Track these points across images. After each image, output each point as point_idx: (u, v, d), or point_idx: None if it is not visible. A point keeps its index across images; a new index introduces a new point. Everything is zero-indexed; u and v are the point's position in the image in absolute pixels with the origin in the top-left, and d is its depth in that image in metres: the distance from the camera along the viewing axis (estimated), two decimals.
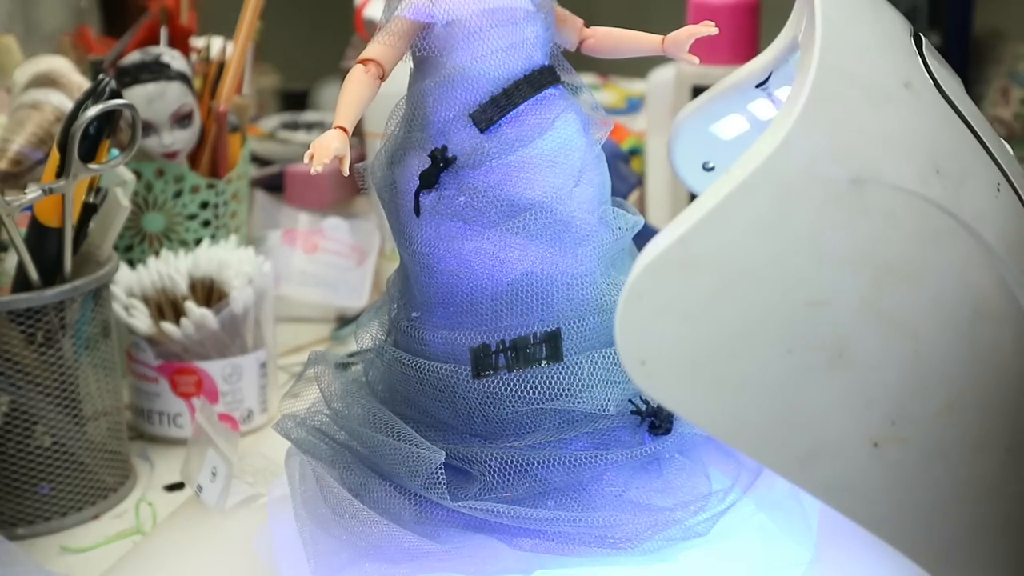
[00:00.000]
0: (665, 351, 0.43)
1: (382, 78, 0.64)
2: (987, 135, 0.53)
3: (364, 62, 0.64)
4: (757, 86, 0.66)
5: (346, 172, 0.62)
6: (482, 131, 0.63)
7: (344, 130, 0.62)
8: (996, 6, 2.12)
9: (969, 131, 0.51)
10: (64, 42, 1.28)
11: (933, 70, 0.52)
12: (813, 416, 0.46)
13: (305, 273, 1.16)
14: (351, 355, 0.72)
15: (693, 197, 1.15)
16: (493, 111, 0.63)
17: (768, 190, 0.45)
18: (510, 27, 0.64)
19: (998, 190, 0.50)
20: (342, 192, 1.32)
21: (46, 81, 0.94)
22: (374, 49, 0.64)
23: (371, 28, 1.16)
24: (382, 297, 0.71)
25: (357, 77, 0.64)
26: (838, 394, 0.46)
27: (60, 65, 0.96)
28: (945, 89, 0.51)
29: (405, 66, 0.66)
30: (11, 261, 0.82)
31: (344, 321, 1.13)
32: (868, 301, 0.46)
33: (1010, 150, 0.56)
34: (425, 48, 0.64)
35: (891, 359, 0.47)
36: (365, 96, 0.64)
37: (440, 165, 0.64)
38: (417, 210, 0.64)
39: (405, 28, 0.64)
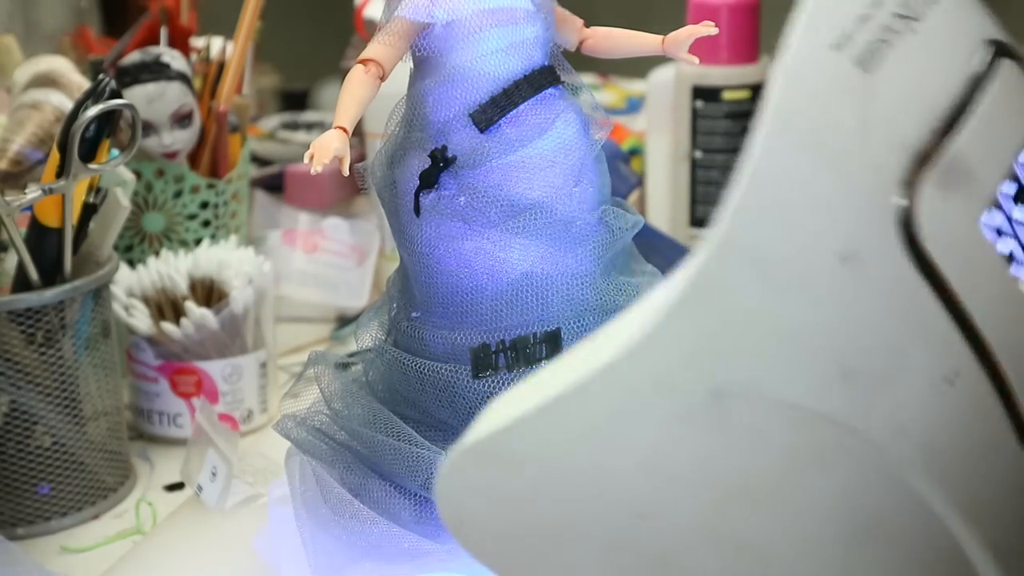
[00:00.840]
0: (481, 523, 0.42)
1: (382, 78, 0.64)
2: (986, 285, 0.40)
3: (364, 62, 0.64)
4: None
5: (346, 172, 0.62)
6: (482, 131, 0.63)
7: (344, 130, 0.62)
8: (996, 6, 2.12)
9: (939, 299, 0.38)
10: (64, 42, 1.28)
11: (927, 205, 0.38)
12: None
13: (305, 273, 1.15)
14: (351, 355, 0.72)
15: (694, 195, 1.15)
16: (493, 111, 0.63)
17: (606, 398, 0.39)
18: (510, 27, 0.64)
19: (951, 383, 0.39)
20: (342, 192, 1.32)
21: (46, 81, 0.94)
22: (374, 49, 0.64)
23: (371, 28, 1.15)
24: (382, 297, 0.71)
25: (357, 77, 0.64)
26: None
27: (60, 65, 0.96)
28: (927, 237, 0.38)
29: (405, 66, 0.66)
30: (11, 261, 0.82)
31: (344, 321, 1.13)
32: (704, 523, 0.40)
33: None
34: (425, 48, 0.64)
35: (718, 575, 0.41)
36: (365, 96, 0.64)
37: (440, 165, 0.63)
38: (417, 210, 0.64)
39: (405, 28, 0.64)
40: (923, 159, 0.38)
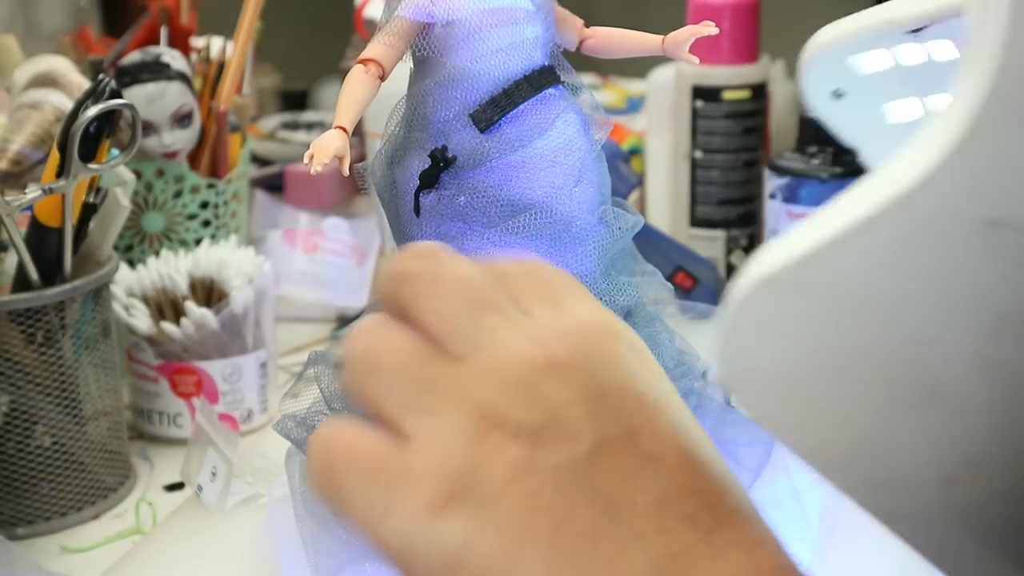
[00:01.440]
0: (761, 366, 0.44)
1: (382, 78, 0.64)
2: None
3: (364, 62, 0.64)
4: (910, 31, 0.62)
5: (346, 172, 0.62)
6: (482, 131, 0.63)
7: (344, 130, 0.62)
8: None
9: None
10: (64, 42, 1.28)
11: None
12: (893, 448, 0.45)
13: (305, 273, 1.15)
14: None
15: (694, 195, 1.15)
16: (493, 111, 0.63)
17: (899, 225, 0.43)
18: (510, 27, 0.64)
19: None
20: (342, 192, 1.32)
21: (46, 81, 0.94)
22: (374, 49, 0.64)
23: (371, 28, 1.15)
24: None
25: (357, 77, 0.64)
26: (922, 431, 0.45)
27: (60, 65, 0.96)
28: None
29: (405, 66, 0.66)
30: (11, 261, 0.82)
31: (344, 321, 1.13)
32: (974, 347, 0.44)
33: None
34: (425, 48, 0.64)
35: (983, 404, 0.45)
36: (365, 96, 0.64)
37: (440, 165, 0.63)
38: (417, 210, 0.64)
39: (405, 28, 0.64)
40: None
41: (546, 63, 0.65)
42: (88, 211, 0.83)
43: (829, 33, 0.64)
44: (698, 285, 1.08)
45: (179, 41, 1.05)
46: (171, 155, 0.99)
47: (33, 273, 0.79)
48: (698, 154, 1.14)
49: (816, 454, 0.46)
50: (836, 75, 0.66)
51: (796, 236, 0.43)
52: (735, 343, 0.43)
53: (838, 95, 0.70)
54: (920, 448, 0.45)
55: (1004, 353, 0.44)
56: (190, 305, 0.90)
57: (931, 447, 0.45)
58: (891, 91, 0.52)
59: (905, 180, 0.42)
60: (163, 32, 1.05)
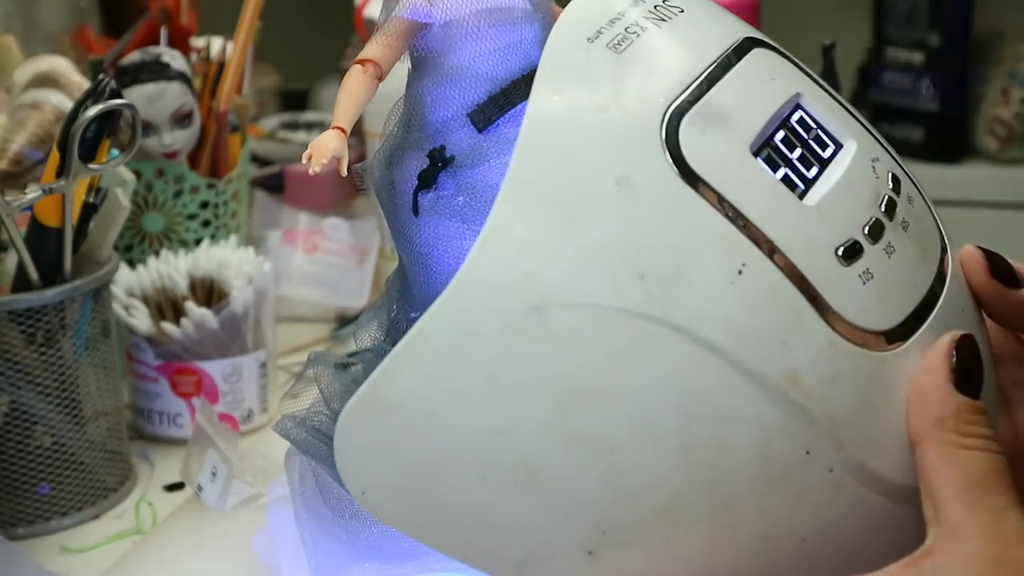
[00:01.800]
0: (375, 481, 0.48)
1: (380, 78, 0.64)
2: (762, 196, 0.48)
3: (362, 62, 0.64)
4: None
5: (344, 172, 0.62)
6: (480, 131, 0.63)
7: (342, 130, 0.62)
8: (996, 6, 2.12)
9: (715, 207, 0.46)
10: (64, 42, 1.28)
11: (687, 138, 0.47)
12: (518, 531, 0.47)
13: (305, 273, 1.16)
14: (351, 355, 0.72)
15: None
16: (491, 111, 0.63)
17: (443, 332, 0.46)
18: (508, 27, 0.64)
19: (739, 272, 0.46)
20: (342, 192, 1.32)
21: (46, 81, 0.94)
22: (372, 49, 0.64)
23: (371, 28, 1.15)
24: (381, 297, 0.71)
25: (355, 77, 0.64)
26: (537, 511, 0.47)
27: (60, 65, 0.96)
28: (693, 161, 0.47)
29: (403, 66, 0.66)
30: (11, 261, 0.82)
31: (344, 321, 1.13)
32: (551, 425, 0.46)
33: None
34: (423, 48, 0.64)
35: (586, 475, 0.46)
36: (363, 96, 0.64)
37: (438, 165, 0.63)
38: (416, 210, 0.64)
39: (403, 28, 0.64)
40: (680, 107, 0.48)
41: None
42: (88, 211, 0.83)
43: None
44: None
45: (179, 41, 1.06)
46: (171, 155, 0.99)
47: (33, 273, 0.79)
48: None
49: (454, 548, 0.49)
50: None
51: (381, 364, 0.47)
52: (348, 468, 0.48)
53: None
54: (543, 527, 0.47)
55: (584, 424, 0.45)
56: (190, 305, 0.90)
57: (553, 524, 0.47)
58: None
59: (442, 292, 0.46)
60: (163, 32, 1.05)
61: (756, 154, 0.49)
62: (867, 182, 0.51)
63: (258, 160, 1.42)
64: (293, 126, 1.53)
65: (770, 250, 0.47)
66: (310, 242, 1.17)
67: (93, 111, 0.77)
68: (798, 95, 0.52)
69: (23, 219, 0.81)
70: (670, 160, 0.47)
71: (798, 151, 0.51)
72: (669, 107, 0.48)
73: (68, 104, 0.91)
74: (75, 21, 1.66)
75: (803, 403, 0.46)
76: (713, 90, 0.49)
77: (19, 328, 0.79)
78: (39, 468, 0.81)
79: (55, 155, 0.79)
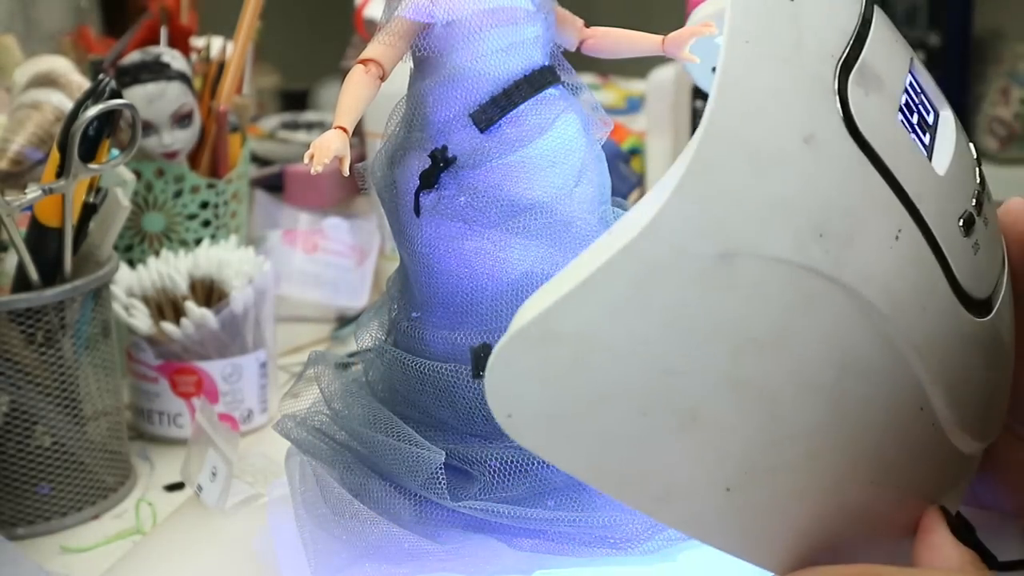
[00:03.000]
0: (527, 408, 0.47)
1: (382, 78, 0.64)
2: (909, 163, 0.50)
3: (364, 62, 0.64)
4: None
5: (346, 172, 0.62)
6: (482, 131, 0.63)
7: (344, 130, 0.62)
8: (996, 6, 2.12)
9: (878, 171, 0.48)
10: (64, 42, 1.28)
11: (854, 99, 0.49)
12: (666, 466, 0.48)
13: (305, 273, 1.16)
14: (351, 355, 0.72)
15: None
16: (493, 111, 0.63)
17: (630, 271, 0.46)
18: (510, 27, 0.64)
19: (896, 238, 0.48)
20: (342, 192, 1.32)
21: (46, 81, 0.94)
22: (374, 49, 0.64)
23: (371, 28, 1.16)
24: (382, 297, 0.71)
25: (357, 77, 0.64)
26: (691, 451, 0.48)
27: (60, 65, 0.96)
28: (861, 124, 0.48)
29: (405, 66, 0.66)
30: (11, 261, 0.82)
31: (344, 321, 1.13)
32: (724, 371, 0.47)
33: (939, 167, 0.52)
34: (425, 48, 0.64)
35: (745, 420, 0.48)
36: (365, 96, 0.64)
37: (440, 165, 0.63)
38: (417, 210, 0.64)
39: (405, 28, 0.64)
40: (846, 65, 0.49)
41: (546, 63, 0.65)
42: (88, 211, 0.83)
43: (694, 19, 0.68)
44: None
45: (179, 41, 1.06)
46: (171, 155, 0.99)
47: (33, 273, 0.79)
48: None
49: (596, 477, 0.49)
50: (712, 55, 0.70)
51: (545, 290, 0.47)
52: (500, 391, 0.47)
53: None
54: (692, 465, 0.48)
55: (753, 373, 0.47)
56: (190, 305, 0.90)
57: (702, 463, 0.48)
58: None
59: (629, 231, 0.46)
60: (163, 32, 1.05)
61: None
62: (969, 152, 0.54)
63: (258, 160, 1.42)
64: (293, 126, 1.53)
65: (917, 218, 0.49)
66: (310, 242, 1.17)
67: (93, 111, 0.77)
68: (911, 59, 0.54)
69: (23, 219, 0.81)
70: (844, 121, 0.48)
71: (916, 116, 0.52)
72: (838, 64, 0.49)
73: (68, 104, 0.91)
74: (75, 21, 1.66)
75: (926, 365, 0.49)
76: (866, 49, 0.50)
77: (19, 328, 0.79)
78: (39, 468, 0.81)
79: (55, 155, 0.79)
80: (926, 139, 0.52)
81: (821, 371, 0.47)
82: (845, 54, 0.50)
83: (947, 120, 0.54)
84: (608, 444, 0.48)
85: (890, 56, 0.52)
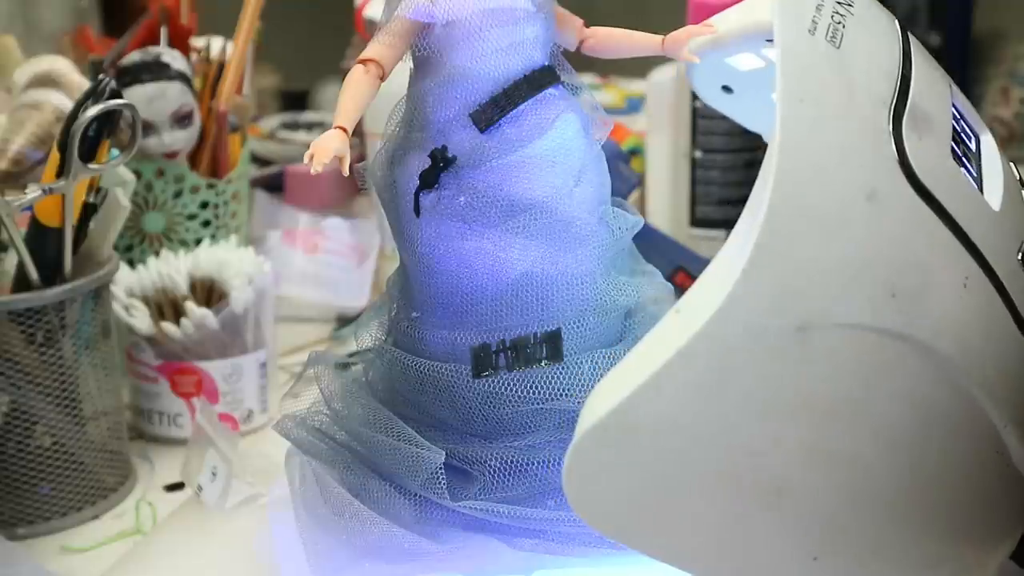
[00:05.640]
0: (608, 500, 0.46)
1: (382, 78, 0.64)
2: (967, 204, 0.48)
3: (364, 62, 0.64)
4: (768, 40, 0.66)
5: (346, 172, 0.62)
6: (482, 131, 0.63)
7: (344, 130, 0.62)
8: (996, 6, 2.12)
9: (941, 220, 0.47)
10: (64, 42, 1.28)
11: (910, 145, 0.47)
12: (753, 544, 0.48)
13: (305, 273, 1.16)
14: (351, 355, 0.72)
15: (694, 195, 1.15)
16: (493, 111, 0.63)
17: (707, 355, 0.44)
18: (510, 27, 0.64)
19: (964, 285, 0.47)
20: (342, 192, 1.32)
21: (46, 81, 0.94)
22: (374, 49, 0.64)
23: (371, 28, 1.15)
24: (382, 297, 0.71)
25: (357, 77, 0.64)
26: (776, 526, 0.47)
27: (60, 65, 0.96)
28: (919, 171, 0.47)
29: (405, 66, 0.66)
30: (11, 261, 0.82)
31: (344, 321, 1.13)
32: (806, 445, 0.46)
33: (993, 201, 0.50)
34: (425, 48, 0.64)
35: (830, 488, 0.47)
36: (365, 96, 0.64)
37: (440, 165, 0.64)
38: (417, 210, 0.64)
39: (405, 28, 0.64)
40: (897, 111, 0.48)
41: (546, 63, 0.65)
42: (88, 211, 0.83)
43: (700, 44, 0.68)
44: None
45: (179, 41, 1.05)
46: (171, 155, 0.99)
47: (33, 273, 0.79)
48: (698, 154, 1.14)
49: (682, 560, 0.48)
50: (720, 74, 0.69)
51: (617, 378, 0.45)
52: (577, 483, 0.46)
53: (728, 90, 0.73)
54: (779, 539, 0.48)
55: (834, 442, 0.46)
56: (190, 305, 0.90)
57: (789, 536, 0.48)
58: (773, 83, 0.54)
59: (704, 313, 0.44)
60: (163, 32, 1.05)
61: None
62: (1012, 175, 0.52)
63: (258, 160, 1.42)
64: (293, 126, 1.53)
65: (981, 261, 0.47)
66: (310, 242, 1.17)
67: (93, 111, 0.77)
68: (951, 85, 0.53)
69: (23, 219, 0.81)
70: (903, 172, 0.47)
71: (962, 147, 0.51)
72: (890, 112, 0.47)
73: (68, 104, 0.91)
74: (75, 21, 1.66)
75: (999, 406, 0.48)
76: (912, 89, 0.49)
77: (19, 328, 0.79)
78: (39, 468, 0.81)
79: (55, 155, 0.79)
80: (974, 169, 0.50)
81: (901, 428, 0.46)
82: (895, 99, 0.48)
83: (988, 144, 0.53)
84: (692, 528, 0.47)
85: (934, 90, 0.51)
